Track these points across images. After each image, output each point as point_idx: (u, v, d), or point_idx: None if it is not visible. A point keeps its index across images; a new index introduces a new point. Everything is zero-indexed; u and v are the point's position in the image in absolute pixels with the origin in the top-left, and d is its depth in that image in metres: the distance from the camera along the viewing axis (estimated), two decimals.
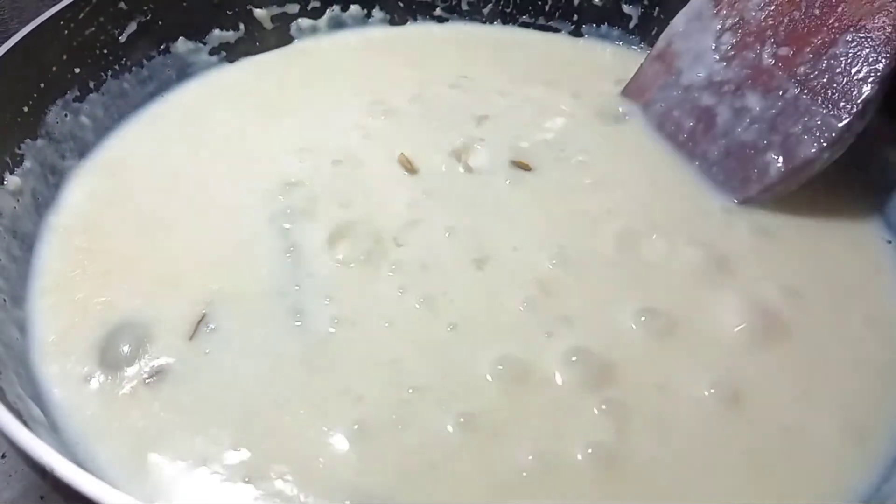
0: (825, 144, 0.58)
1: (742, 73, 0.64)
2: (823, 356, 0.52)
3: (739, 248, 0.59)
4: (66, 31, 0.65)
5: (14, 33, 0.61)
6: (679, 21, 0.70)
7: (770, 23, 0.63)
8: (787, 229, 0.60)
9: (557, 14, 0.83)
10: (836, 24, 0.59)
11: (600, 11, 0.82)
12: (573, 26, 0.83)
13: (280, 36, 0.80)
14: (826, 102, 0.58)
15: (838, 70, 0.58)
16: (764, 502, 0.45)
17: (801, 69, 0.60)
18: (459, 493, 0.44)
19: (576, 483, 0.44)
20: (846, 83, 0.57)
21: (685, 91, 0.67)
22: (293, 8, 0.80)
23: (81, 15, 0.66)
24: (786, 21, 0.62)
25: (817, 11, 0.61)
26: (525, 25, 0.84)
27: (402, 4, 0.83)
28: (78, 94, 0.67)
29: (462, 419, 0.47)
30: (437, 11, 0.84)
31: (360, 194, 0.62)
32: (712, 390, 0.49)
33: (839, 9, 0.59)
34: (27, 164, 0.61)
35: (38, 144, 0.62)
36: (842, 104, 0.57)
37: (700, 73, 0.66)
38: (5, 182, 0.58)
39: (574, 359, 0.50)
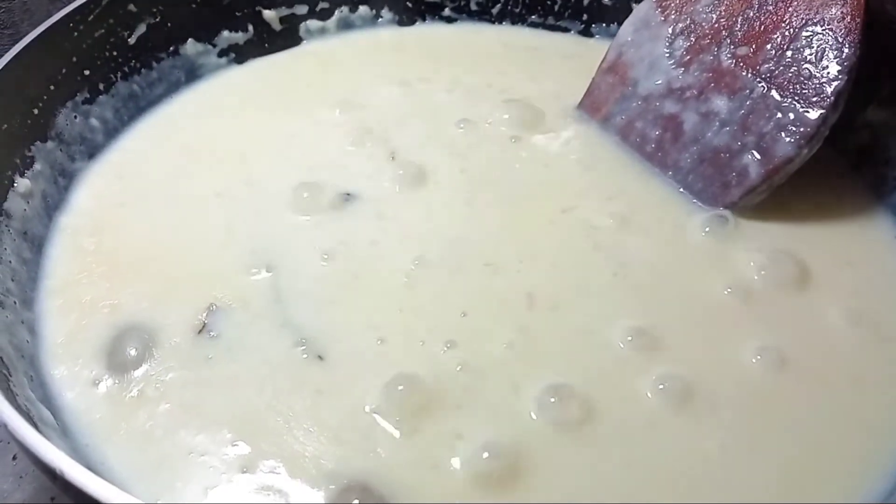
0: (802, 140, 0.57)
1: (703, 77, 0.62)
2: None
3: (743, 248, 0.59)
4: (75, 34, 0.65)
5: (24, 35, 0.61)
6: (626, 30, 0.68)
7: (724, 23, 0.62)
8: (793, 227, 0.60)
9: (567, 14, 0.83)
10: (794, 19, 0.58)
11: (610, 11, 0.81)
12: (583, 26, 0.83)
13: (289, 37, 0.80)
14: (797, 97, 0.57)
15: (804, 64, 0.57)
16: (772, 502, 0.45)
17: (765, 66, 0.59)
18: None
19: None
20: (815, 76, 0.57)
21: (645, 101, 0.65)
22: (302, 9, 0.80)
23: (91, 17, 0.66)
24: (740, 20, 0.61)
25: (771, 7, 0.60)
26: (534, 25, 0.84)
27: (410, 5, 0.83)
28: (88, 96, 0.67)
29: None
30: (446, 12, 0.84)
31: (364, 196, 0.62)
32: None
33: (793, 3, 0.59)
34: (37, 166, 0.61)
35: (49, 147, 0.63)
36: (814, 98, 0.56)
37: (658, 80, 0.64)
38: (16, 184, 0.59)
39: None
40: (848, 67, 0.56)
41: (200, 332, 0.52)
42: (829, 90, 0.56)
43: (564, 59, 0.79)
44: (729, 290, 0.55)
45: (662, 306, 0.54)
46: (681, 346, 0.52)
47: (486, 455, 0.45)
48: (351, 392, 0.49)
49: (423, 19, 0.84)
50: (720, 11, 0.62)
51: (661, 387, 0.49)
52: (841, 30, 0.56)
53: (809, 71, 0.57)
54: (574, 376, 0.50)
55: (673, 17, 0.65)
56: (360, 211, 0.61)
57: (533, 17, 0.84)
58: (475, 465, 0.45)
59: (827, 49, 0.57)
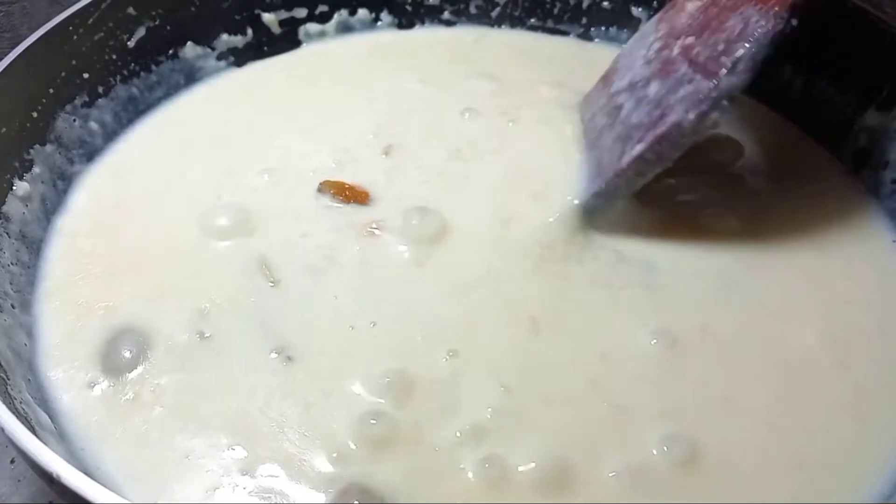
0: (690, 106, 0.55)
1: (654, 69, 0.62)
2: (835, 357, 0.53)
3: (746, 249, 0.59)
4: (75, 37, 0.65)
5: (24, 39, 0.61)
6: (628, 44, 0.69)
7: (688, 22, 0.61)
8: (792, 230, 0.60)
9: (566, 17, 0.83)
10: (737, 5, 0.57)
11: (609, 14, 0.81)
12: (582, 29, 0.83)
13: (288, 40, 0.80)
14: (703, 70, 0.56)
15: (721, 40, 0.56)
16: (774, 502, 0.46)
17: (695, 50, 0.58)
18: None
19: None
20: (724, 49, 0.55)
21: (609, 98, 0.65)
22: (301, 12, 0.80)
23: (90, 20, 0.66)
24: (701, 17, 0.60)
25: (729, 2, 0.58)
26: (533, 29, 0.84)
27: (409, 8, 0.83)
28: (87, 99, 0.67)
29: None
30: (446, 15, 0.84)
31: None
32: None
33: None
34: (36, 169, 0.61)
35: (48, 150, 0.63)
36: (712, 68, 0.55)
37: (625, 79, 0.64)
38: (15, 188, 0.59)
39: None
40: (756, 37, 0.54)
41: (194, 334, 0.52)
42: (729, 59, 0.54)
43: (564, 63, 0.79)
44: None
45: None
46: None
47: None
48: (343, 396, 0.49)
49: (423, 23, 0.84)
50: (695, 16, 0.61)
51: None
52: (767, 5, 0.54)
53: (723, 45, 0.56)
54: None
55: (662, 27, 0.64)
56: (352, 217, 0.60)
57: (532, 20, 0.84)
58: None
59: (744, 24, 0.55)
